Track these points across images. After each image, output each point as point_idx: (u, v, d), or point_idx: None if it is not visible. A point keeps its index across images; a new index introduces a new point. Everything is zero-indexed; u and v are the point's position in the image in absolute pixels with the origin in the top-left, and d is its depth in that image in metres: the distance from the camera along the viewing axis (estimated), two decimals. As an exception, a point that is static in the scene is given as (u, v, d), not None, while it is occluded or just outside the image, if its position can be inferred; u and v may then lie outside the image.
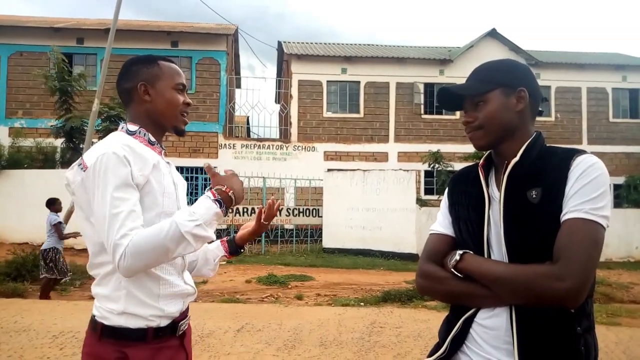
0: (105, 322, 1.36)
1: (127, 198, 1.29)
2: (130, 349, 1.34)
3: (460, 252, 1.24)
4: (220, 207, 1.37)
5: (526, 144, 1.25)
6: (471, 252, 1.25)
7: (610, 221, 1.15)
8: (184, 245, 1.30)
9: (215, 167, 1.54)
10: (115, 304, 1.35)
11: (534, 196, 1.17)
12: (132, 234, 1.25)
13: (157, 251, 1.27)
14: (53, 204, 7.27)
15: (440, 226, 1.38)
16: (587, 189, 1.12)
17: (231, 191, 1.41)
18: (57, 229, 6.98)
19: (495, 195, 1.26)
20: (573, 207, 1.11)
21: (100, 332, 1.37)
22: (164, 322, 1.39)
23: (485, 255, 1.24)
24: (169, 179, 1.46)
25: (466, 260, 1.22)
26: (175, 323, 1.43)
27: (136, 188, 1.33)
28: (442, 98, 1.39)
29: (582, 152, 1.20)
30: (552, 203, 1.15)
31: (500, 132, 1.27)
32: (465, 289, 1.22)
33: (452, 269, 1.24)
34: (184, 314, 1.48)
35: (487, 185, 1.29)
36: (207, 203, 1.36)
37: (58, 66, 12.39)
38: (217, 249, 1.71)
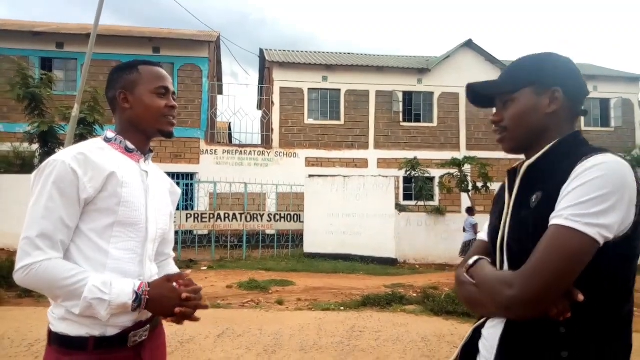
0: (52, 328, 1.31)
1: (56, 210, 1.26)
2: (69, 358, 1.27)
3: (476, 257, 1.21)
4: (135, 301, 1.29)
5: (548, 146, 1.14)
6: (486, 258, 1.20)
7: None
8: (74, 304, 1.25)
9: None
10: (58, 308, 1.29)
11: (533, 200, 1.09)
12: (37, 266, 1.23)
13: (48, 292, 1.27)
14: (471, 211, 11.68)
15: (484, 231, 1.34)
16: (578, 192, 0.99)
17: (147, 297, 1.31)
18: (474, 228, 10.59)
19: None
20: (555, 213, 1.01)
21: (48, 338, 1.32)
22: (110, 331, 1.30)
23: (497, 263, 1.17)
24: (136, 188, 1.39)
25: (476, 266, 1.18)
26: (125, 333, 1.32)
27: (76, 200, 1.28)
28: (471, 95, 1.29)
29: (602, 151, 1.05)
30: (547, 209, 1.04)
31: (526, 135, 1.17)
32: (474, 294, 1.15)
33: (465, 274, 1.19)
34: (140, 324, 1.37)
35: (512, 190, 1.19)
36: (128, 289, 1.29)
37: (21, 74, 12.17)
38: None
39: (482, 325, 1.19)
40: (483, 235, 1.34)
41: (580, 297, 0.99)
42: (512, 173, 1.23)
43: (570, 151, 1.10)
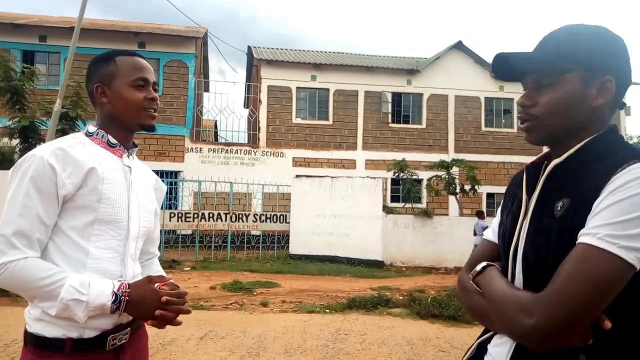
0: (28, 329, 1.27)
1: (33, 208, 1.21)
2: None
3: (484, 264, 1.07)
4: (114, 303, 1.25)
5: (581, 143, 0.97)
6: (496, 265, 1.07)
7: None
8: (50, 305, 1.21)
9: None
10: (34, 308, 1.26)
11: (558, 208, 0.94)
12: (12, 265, 1.19)
13: (23, 292, 1.23)
14: (482, 214, 11.70)
15: (491, 231, 1.21)
16: (616, 209, 0.84)
17: (127, 298, 1.27)
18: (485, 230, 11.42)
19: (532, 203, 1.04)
20: (588, 229, 0.86)
21: (24, 339, 1.29)
22: (88, 333, 1.26)
23: (509, 271, 1.03)
24: (117, 184, 1.35)
25: (484, 274, 1.05)
26: (104, 335, 1.29)
27: (54, 197, 1.24)
28: (498, 65, 1.05)
29: None
30: (575, 219, 0.90)
31: (561, 129, 0.99)
32: (482, 305, 1.03)
33: (471, 281, 1.08)
34: (120, 327, 1.33)
35: (531, 190, 1.04)
36: (107, 290, 1.25)
37: (3, 66, 11.91)
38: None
39: (488, 340, 1.08)
40: (491, 234, 1.20)
41: (608, 325, 0.87)
42: (532, 169, 1.07)
43: (605, 151, 0.95)
